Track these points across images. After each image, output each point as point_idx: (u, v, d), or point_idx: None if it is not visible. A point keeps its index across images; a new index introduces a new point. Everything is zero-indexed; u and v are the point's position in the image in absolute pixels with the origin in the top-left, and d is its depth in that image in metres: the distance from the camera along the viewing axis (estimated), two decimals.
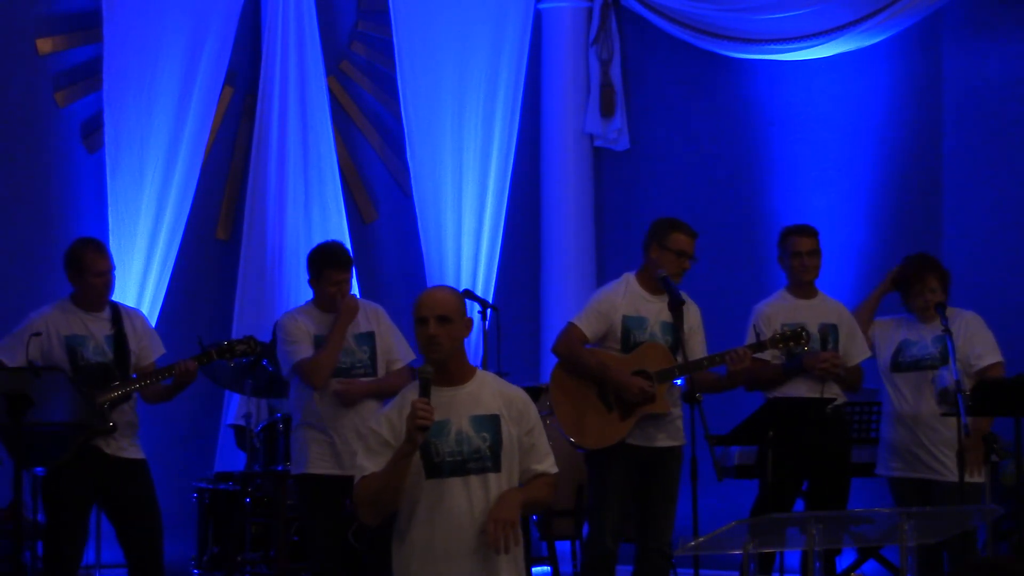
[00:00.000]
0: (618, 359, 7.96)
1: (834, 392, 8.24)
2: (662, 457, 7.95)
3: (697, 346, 8.06)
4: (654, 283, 7.98)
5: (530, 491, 5.62)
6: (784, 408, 8.04)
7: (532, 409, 5.67)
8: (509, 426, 5.58)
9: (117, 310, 8.07)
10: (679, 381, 7.97)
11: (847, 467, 8.40)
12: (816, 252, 8.45)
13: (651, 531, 7.96)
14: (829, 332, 8.30)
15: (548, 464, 5.67)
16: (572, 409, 7.90)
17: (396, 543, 5.61)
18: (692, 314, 8.08)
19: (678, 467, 7.93)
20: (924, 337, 8.34)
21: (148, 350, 8.08)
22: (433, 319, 5.51)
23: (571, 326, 8.03)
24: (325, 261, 8.04)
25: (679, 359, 7.92)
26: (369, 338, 8.09)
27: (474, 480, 5.52)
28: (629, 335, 7.99)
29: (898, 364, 8.39)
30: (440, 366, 5.53)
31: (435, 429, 5.46)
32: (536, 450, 5.64)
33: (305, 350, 7.94)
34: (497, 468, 5.54)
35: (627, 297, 8.00)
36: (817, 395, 8.12)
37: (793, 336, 8.10)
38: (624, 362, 7.94)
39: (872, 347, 8.51)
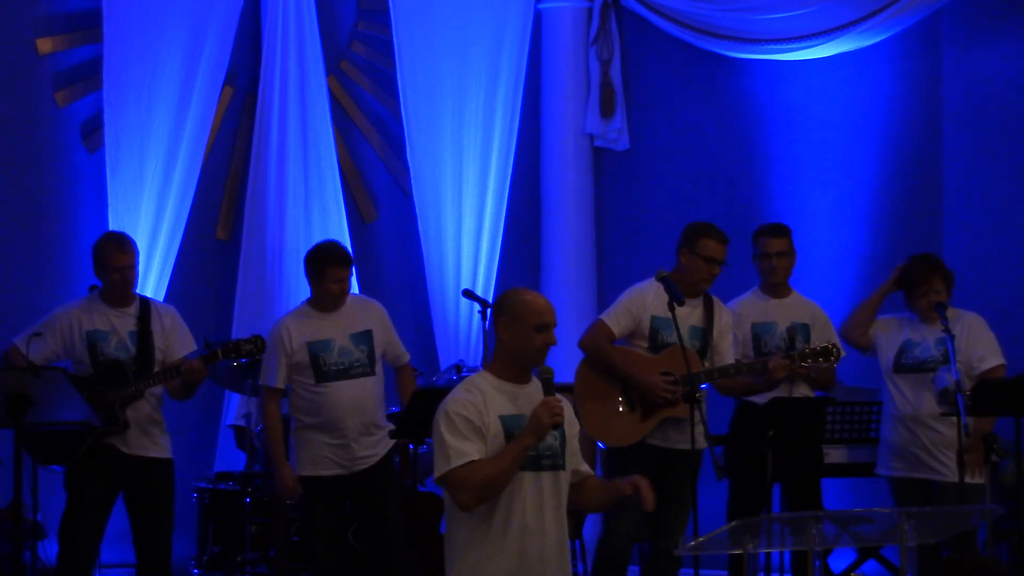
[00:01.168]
0: (646, 359, 7.95)
1: (802, 392, 8.24)
2: (680, 458, 7.93)
3: (725, 350, 8.06)
4: (686, 286, 7.94)
5: None
6: (779, 409, 8.05)
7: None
8: (567, 426, 5.74)
9: (147, 306, 8.05)
10: (705, 385, 7.96)
11: (818, 467, 8.41)
12: (786, 253, 8.46)
13: (663, 531, 7.96)
14: (798, 332, 8.28)
15: (587, 465, 5.89)
16: (595, 406, 7.89)
17: (473, 540, 5.64)
18: (723, 319, 8.09)
19: (694, 470, 7.90)
20: (927, 339, 8.34)
21: (176, 347, 8.05)
22: (552, 327, 5.72)
23: (599, 322, 8.04)
24: (326, 259, 8.03)
25: (706, 364, 7.93)
26: (367, 336, 8.08)
27: (546, 476, 5.66)
28: (657, 335, 7.98)
29: (901, 365, 8.38)
30: (530, 368, 5.71)
31: (514, 423, 5.60)
32: (578, 452, 5.83)
33: (275, 372, 7.98)
34: (564, 466, 5.71)
35: (658, 297, 7.91)
36: (785, 395, 8.13)
37: (823, 352, 8.08)
38: (652, 363, 7.93)
39: (874, 346, 8.51)
